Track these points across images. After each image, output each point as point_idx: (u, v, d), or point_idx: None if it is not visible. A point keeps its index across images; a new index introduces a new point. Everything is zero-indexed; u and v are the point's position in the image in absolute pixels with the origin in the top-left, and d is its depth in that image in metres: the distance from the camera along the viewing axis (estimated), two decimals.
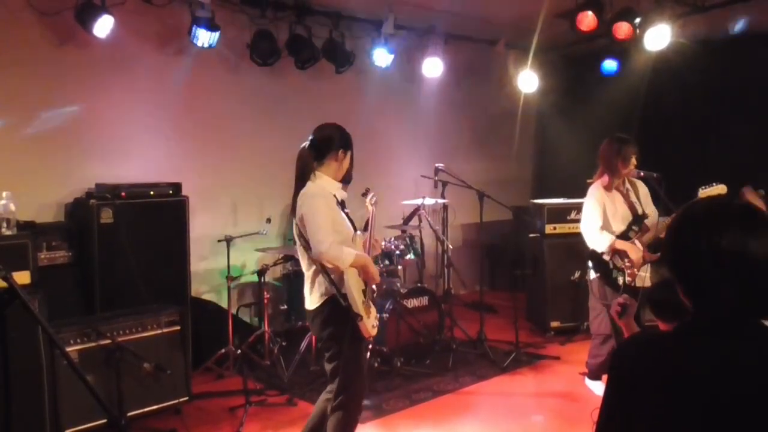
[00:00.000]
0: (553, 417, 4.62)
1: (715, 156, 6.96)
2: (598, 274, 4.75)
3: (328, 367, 3.41)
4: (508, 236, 7.82)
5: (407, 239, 5.94)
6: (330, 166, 3.38)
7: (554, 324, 6.38)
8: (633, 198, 4.76)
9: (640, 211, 4.70)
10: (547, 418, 4.60)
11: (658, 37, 6.05)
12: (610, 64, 7.47)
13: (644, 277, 4.71)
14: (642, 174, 4.74)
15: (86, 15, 4.84)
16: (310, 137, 3.42)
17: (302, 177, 3.36)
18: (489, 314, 6.76)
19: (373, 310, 3.47)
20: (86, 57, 5.24)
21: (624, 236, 4.67)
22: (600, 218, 4.69)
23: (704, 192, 4.40)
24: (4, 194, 4.00)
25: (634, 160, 4.67)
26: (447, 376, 5.33)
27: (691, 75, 6.79)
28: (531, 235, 6.57)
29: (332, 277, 3.26)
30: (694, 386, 1.32)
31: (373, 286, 3.50)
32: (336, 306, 3.26)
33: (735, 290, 1.35)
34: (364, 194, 3.71)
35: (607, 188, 4.72)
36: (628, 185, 4.80)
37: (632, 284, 4.61)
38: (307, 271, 3.37)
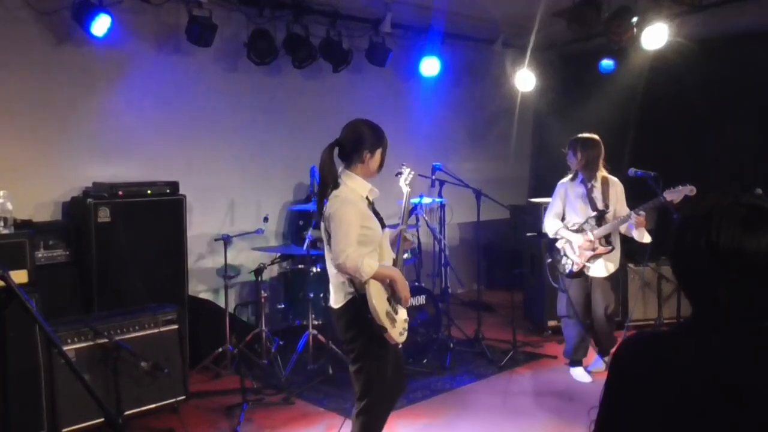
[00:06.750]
0: (551, 416, 4.62)
1: (712, 155, 6.97)
2: (550, 260, 5.22)
3: (352, 368, 3.27)
4: (506, 235, 7.82)
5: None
6: (358, 167, 3.23)
7: (552, 323, 6.35)
8: (596, 194, 4.97)
9: (600, 206, 4.94)
10: (545, 417, 4.61)
11: (656, 36, 6.06)
12: (607, 63, 7.47)
13: (597, 269, 5.00)
14: (640, 173, 4.77)
15: (84, 13, 4.84)
16: (339, 137, 3.27)
17: (325, 182, 3.20)
18: (486, 313, 6.77)
19: (402, 313, 3.32)
20: (83, 55, 5.24)
21: (579, 228, 4.99)
22: (558, 206, 5.12)
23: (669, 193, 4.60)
24: (0, 193, 3.99)
25: (580, 158, 4.97)
26: (444, 374, 5.34)
27: (688, 74, 6.78)
28: (528, 233, 6.57)
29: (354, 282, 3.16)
30: (684, 386, 1.32)
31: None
32: (360, 308, 3.13)
33: (730, 290, 1.31)
34: (399, 174, 3.66)
35: (572, 179, 5.12)
36: (596, 182, 5.00)
37: (578, 272, 5.00)
38: (332, 269, 3.25)
